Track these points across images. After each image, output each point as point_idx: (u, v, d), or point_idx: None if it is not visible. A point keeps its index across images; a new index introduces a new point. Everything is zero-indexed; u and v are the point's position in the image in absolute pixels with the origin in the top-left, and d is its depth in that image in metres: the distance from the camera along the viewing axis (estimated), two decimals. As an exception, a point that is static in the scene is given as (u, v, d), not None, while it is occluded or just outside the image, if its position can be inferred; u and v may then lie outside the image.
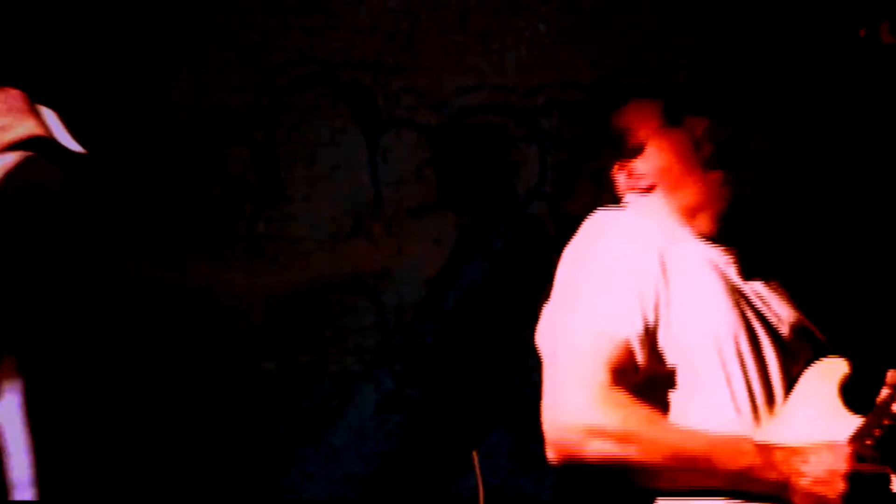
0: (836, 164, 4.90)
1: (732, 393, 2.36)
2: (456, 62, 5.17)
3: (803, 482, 2.27)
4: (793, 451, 2.29)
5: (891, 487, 2.36)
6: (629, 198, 2.61)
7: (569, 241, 2.49)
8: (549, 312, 2.49)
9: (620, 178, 2.63)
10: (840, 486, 2.27)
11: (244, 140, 5.11)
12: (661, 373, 2.34)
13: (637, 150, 2.62)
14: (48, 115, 2.40)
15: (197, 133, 5.07)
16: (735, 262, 2.51)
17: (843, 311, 3.76)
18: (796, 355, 2.47)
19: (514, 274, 4.43)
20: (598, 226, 2.49)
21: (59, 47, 4.18)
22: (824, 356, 2.48)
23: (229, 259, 5.05)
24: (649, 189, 2.59)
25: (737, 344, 2.37)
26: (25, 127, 2.28)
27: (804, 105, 4.98)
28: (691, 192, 2.55)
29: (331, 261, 5.07)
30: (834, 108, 4.91)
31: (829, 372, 2.44)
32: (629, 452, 2.23)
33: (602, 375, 2.25)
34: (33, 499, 2.23)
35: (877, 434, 2.36)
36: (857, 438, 2.35)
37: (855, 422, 2.38)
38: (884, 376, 2.41)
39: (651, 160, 2.60)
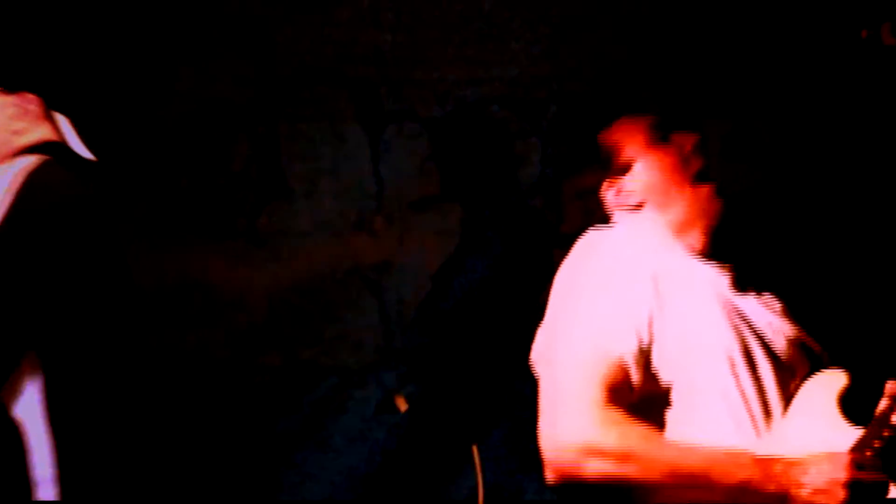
0: (836, 166, 4.89)
1: (729, 409, 2.35)
2: (458, 55, 5.16)
3: (803, 493, 2.27)
4: (792, 463, 2.29)
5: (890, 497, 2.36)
6: (619, 216, 2.61)
7: (562, 261, 2.49)
8: (543, 333, 2.49)
9: (609, 197, 2.63)
10: (840, 495, 2.27)
11: (246, 134, 5.10)
12: (657, 391, 2.34)
13: (625, 168, 2.62)
14: (62, 121, 2.45)
15: (199, 126, 5.07)
16: (729, 277, 2.50)
17: (841, 323, 3.76)
18: (793, 369, 2.47)
19: (516, 267, 4.42)
20: (590, 246, 2.49)
21: (63, 40, 4.20)
22: (822, 369, 2.48)
23: (231, 253, 5.05)
24: (638, 206, 2.58)
25: (732, 360, 2.37)
26: (40, 132, 2.37)
27: (805, 106, 4.96)
28: (681, 208, 2.55)
29: (333, 255, 5.07)
30: (835, 109, 4.90)
31: (828, 384, 2.44)
32: (627, 470, 2.24)
33: (598, 395, 2.25)
34: (56, 496, 2.26)
35: (877, 445, 2.36)
36: (857, 449, 2.35)
37: (854, 433, 2.38)
38: (883, 387, 2.40)
39: (640, 177, 2.60)
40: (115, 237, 2.38)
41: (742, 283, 2.51)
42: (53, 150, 2.41)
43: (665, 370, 2.32)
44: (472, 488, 4.28)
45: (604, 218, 2.61)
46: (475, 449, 4.25)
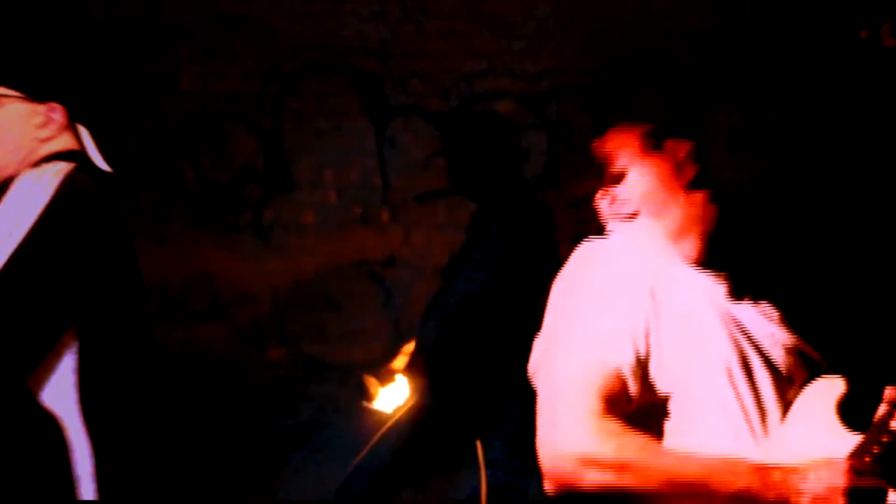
0: (836, 166, 4.89)
1: (727, 419, 2.35)
2: (463, 48, 5.15)
3: (803, 501, 2.27)
4: (791, 471, 2.28)
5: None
6: (614, 225, 2.60)
7: (558, 272, 2.49)
8: (541, 344, 2.49)
9: (604, 206, 2.62)
10: (840, 502, 2.27)
11: (251, 128, 5.11)
12: (655, 401, 2.34)
13: (619, 177, 2.61)
14: (83, 132, 2.55)
15: (204, 121, 5.08)
16: (725, 286, 2.50)
17: (838, 329, 3.76)
18: (791, 378, 2.46)
19: (522, 261, 4.42)
20: (586, 256, 2.48)
21: (67, 36, 4.24)
22: (820, 376, 2.48)
23: (236, 247, 5.07)
24: (633, 215, 2.57)
25: (729, 370, 2.36)
26: (64, 140, 2.57)
27: (805, 106, 4.96)
28: (676, 216, 2.54)
29: (338, 249, 5.09)
30: (835, 109, 4.89)
31: (826, 391, 2.43)
32: (626, 480, 2.23)
33: (596, 405, 2.25)
34: (95, 493, 2.30)
35: (875, 451, 2.35)
36: (856, 456, 2.34)
37: (853, 440, 2.37)
38: (881, 394, 2.40)
39: (634, 186, 2.58)
40: (128, 237, 2.48)
41: (739, 292, 2.51)
42: (75, 158, 2.50)
43: (662, 380, 2.32)
44: (472, 488, 4.30)
45: (598, 227, 2.60)
46: (479, 445, 4.27)
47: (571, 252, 2.52)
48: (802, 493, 2.28)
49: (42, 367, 2.35)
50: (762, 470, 2.28)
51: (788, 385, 2.45)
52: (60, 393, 2.38)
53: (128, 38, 4.95)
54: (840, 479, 2.28)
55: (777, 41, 4.98)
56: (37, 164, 2.51)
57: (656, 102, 5.10)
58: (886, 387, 2.41)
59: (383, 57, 5.13)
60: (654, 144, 2.61)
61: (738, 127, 5.05)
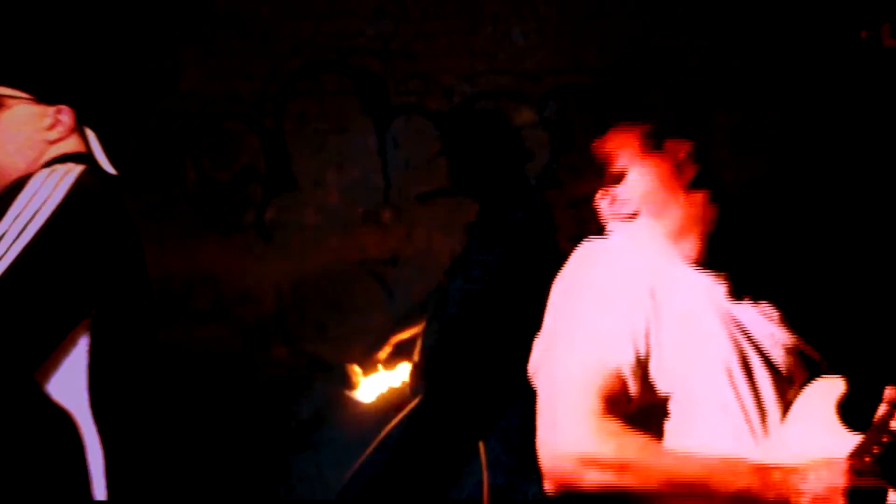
0: (836, 166, 4.89)
1: (727, 420, 2.35)
2: (464, 47, 5.16)
3: (803, 501, 2.27)
4: (791, 471, 2.28)
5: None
6: (614, 225, 2.60)
7: (558, 272, 2.49)
8: (541, 344, 2.49)
9: (604, 206, 2.62)
10: (840, 502, 2.27)
11: (253, 127, 5.12)
12: (655, 401, 2.34)
13: (619, 177, 2.61)
14: (90, 135, 2.58)
15: (206, 121, 5.08)
16: (725, 286, 2.50)
17: (838, 329, 3.76)
18: (791, 378, 2.46)
19: (524, 262, 4.42)
20: (586, 256, 2.48)
21: (69, 36, 4.25)
22: (820, 376, 2.48)
23: (239, 246, 5.08)
24: (633, 216, 2.57)
25: (729, 370, 2.36)
26: (72, 143, 2.60)
27: (806, 106, 4.96)
28: (676, 216, 2.54)
29: (340, 248, 5.09)
30: (835, 109, 4.89)
31: (826, 390, 2.43)
32: (626, 480, 2.23)
33: (596, 405, 2.25)
34: (105, 491, 2.33)
35: (875, 451, 2.35)
36: (856, 455, 2.34)
37: (853, 439, 2.37)
38: (881, 393, 2.40)
39: (634, 186, 2.58)
40: (138, 238, 2.51)
41: (739, 292, 2.51)
42: (83, 160, 2.53)
43: (662, 381, 2.32)
44: (472, 488, 4.30)
45: (598, 227, 2.60)
46: (482, 446, 4.27)
47: (571, 252, 2.53)
48: (802, 493, 2.28)
49: (55, 364, 2.38)
50: (762, 470, 2.28)
51: (788, 385, 2.45)
52: (72, 390, 2.40)
53: (129, 37, 4.96)
54: (840, 480, 2.28)
55: (777, 41, 4.98)
56: (47, 165, 2.54)
57: (658, 102, 5.10)
58: (886, 387, 2.41)
59: (385, 56, 5.14)
60: (654, 144, 2.61)
61: (739, 126, 5.05)
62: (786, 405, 2.43)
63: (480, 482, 4.28)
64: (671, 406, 2.36)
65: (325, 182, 5.12)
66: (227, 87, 5.07)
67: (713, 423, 2.35)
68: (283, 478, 4.95)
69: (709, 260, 2.53)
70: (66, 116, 2.61)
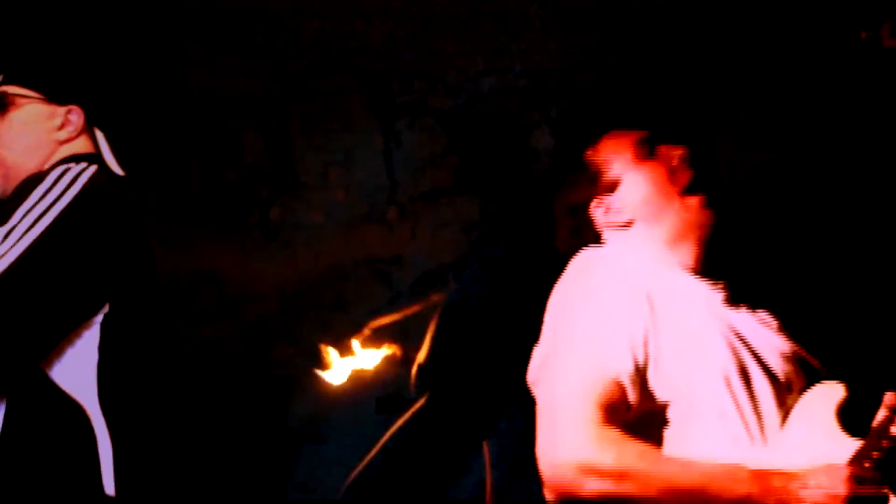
0: (836, 166, 4.88)
1: (726, 427, 2.36)
2: (469, 46, 5.15)
3: None
4: (791, 476, 2.29)
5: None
6: (609, 234, 2.60)
7: (556, 281, 2.49)
8: (540, 354, 2.49)
9: (599, 215, 2.61)
10: (840, 510, 2.27)
11: (258, 126, 5.12)
12: (654, 409, 2.35)
13: (613, 185, 2.60)
14: (99, 136, 2.59)
15: (210, 119, 5.09)
16: (723, 294, 2.50)
17: (837, 333, 3.76)
18: (789, 384, 2.47)
19: (525, 262, 4.43)
20: (584, 265, 2.49)
21: (77, 36, 4.26)
22: (819, 382, 2.48)
23: (244, 245, 5.08)
24: (628, 224, 2.57)
25: (728, 378, 2.37)
26: (82, 143, 2.63)
27: (806, 106, 4.95)
28: (672, 222, 2.54)
29: (345, 247, 5.09)
30: (835, 110, 4.88)
31: (825, 396, 2.44)
32: (626, 488, 2.24)
33: (595, 413, 2.26)
34: (113, 486, 2.34)
35: (875, 456, 2.36)
36: (856, 461, 2.35)
37: (853, 445, 2.38)
38: (881, 399, 2.40)
39: (628, 194, 2.58)
40: (147, 239, 2.53)
41: (737, 300, 2.52)
42: (92, 161, 2.54)
43: (661, 388, 2.33)
44: (474, 487, 4.31)
45: (595, 235, 2.59)
46: (486, 446, 4.27)
47: (570, 258, 2.53)
48: (802, 498, 2.28)
49: (67, 358, 2.41)
50: (762, 476, 2.29)
51: (787, 392, 2.45)
52: (83, 384, 2.42)
53: (133, 35, 4.97)
54: (840, 485, 2.29)
55: (778, 41, 4.97)
56: (57, 164, 2.56)
57: (662, 101, 5.10)
58: (886, 392, 2.41)
59: (390, 55, 5.13)
60: (647, 151, 2.61)
61: (743, 125, 5.04)
62: (785, 412, 2.43)
63: (482, 482, 4.29)
64: (670, 414, 2.37)
65: (330, 181, 5.12)
66: (232, 87, 5.07)
67: (712, 430, 2.35)
68: (285, 477, 4.96)
69: (706, 267, 2.53)
70: (77, 116, 2.63)
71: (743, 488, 2.27)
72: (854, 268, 4.73)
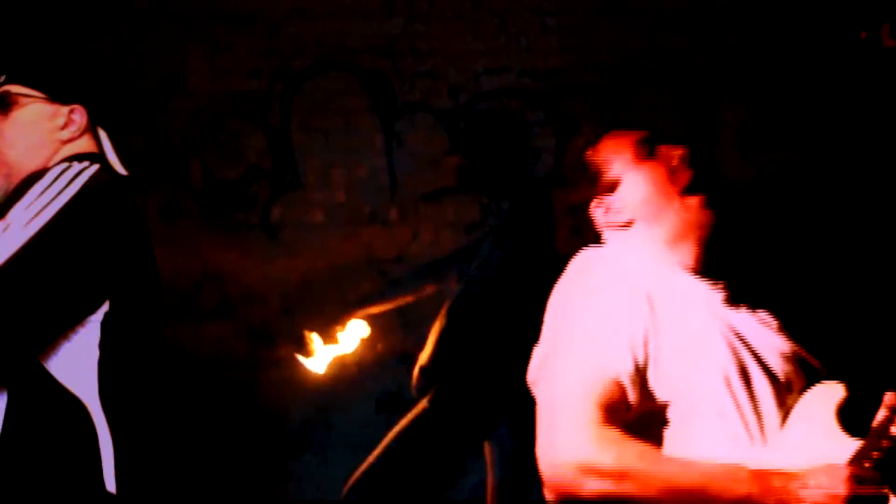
0: (836, 166, 4.88)
1: (726, 427, 2.35)
2: (471, 47, 5.16)
3: None
4: (791, 476, 2.28)
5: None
6: (609, 234, 2.59)
7: (556, 281, 2.49)
8: (540, 354, 2.49)
9: (598, 215, 2.61)
10: (840, 510, 2.27)
11: (259, 126, 5.12)
12: (654, 409, 2.34)
13: (613, 185, 2.59)
14: (102, 135, 2.59)
15: (212, 119, 5.09)
16: (723, 294, 2.50)
17: (838, 333, 3.76)
18: (789, 385, 2.46)
19: (528, 261, 4.42)
20: (584, 265, 2.48)
21: (79, 35, 4.26)
22: (819, 382, 2.47)
23: (245, 245, 5.08)
24: (628, 224, 2.57)
25: (728, 378, 2.36)
26: (85, 142, 2.61)
27: (807, 106, 4.95)
28: (672, 222, 2.52)
29: (346, 246, 5.10)
30: (835, 109, 4.88)
31: (825, 396, 2.43)
32: (626, 488, 2.24)
33: (595, 414, 2.25)
34: (114, 484, 2.35)
35: (875, 456, 2.35)
36: (856, 461, 2.34)
37: (853, 444, 2.37)
38: (881, 398, 2.40)
39: (628, 194, 2.57)
40: (148, 238, 2.53)
41: (737, 300, 2.51)
42: (95, 160, 2.55)
43: (661, 388, 2.32)
44: (475, 487, 4.31)
45: (595, 235, 2.59)
46: (487, 447, 4.28)
47: (570, 257, 2.53)
48: (802, 499, 2.28)
49: (68, 355, 2.41)
50: (762, 476, 2.28)
51: (787, 392, 2.44)
52: (84, 382, 2.43)
53: (135, 36, 4.97)
54: (840, 485, 2.28)
55: (778, 41, 4.98)
56: (63, 162, 2.57)
57: (665, 100, 5.10)
58: (886, 392, 2.41)
59: (391, 55, 5.14)
60: (646, 151, 2.59)
61: (746, 125, 5.05)
62: (785, 412, 2.43)
63: (483, 482, 4.30)
64: (670, 414, 2.36)
65: (332, 181, 5.13)
66: (233, 87, 5.08)
67: (712, 430, 2.35)
68: (287, 478, 4.97)
69: (706, 267, 2.53)
70: (80, 116, 2.63)
71: (743, 488, 2.26)
72: (854, 268, 4.73)
